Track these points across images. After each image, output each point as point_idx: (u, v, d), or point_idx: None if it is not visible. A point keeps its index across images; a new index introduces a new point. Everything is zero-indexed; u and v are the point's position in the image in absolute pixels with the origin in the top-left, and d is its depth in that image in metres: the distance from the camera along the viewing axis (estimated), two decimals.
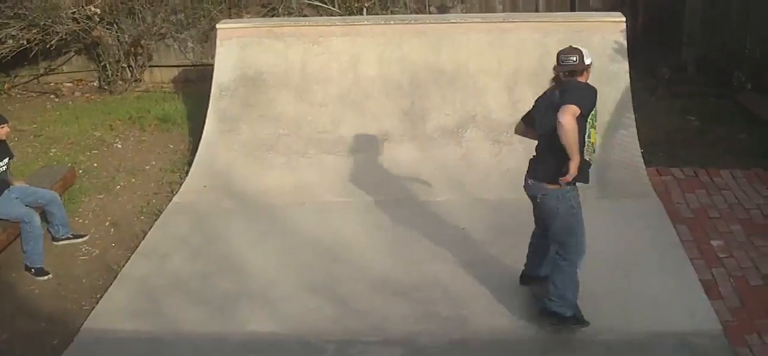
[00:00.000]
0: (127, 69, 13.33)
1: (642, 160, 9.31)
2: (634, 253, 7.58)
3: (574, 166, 5.94)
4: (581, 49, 6.27)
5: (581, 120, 5.96)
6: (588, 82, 6.25)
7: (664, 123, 10.77)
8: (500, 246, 7.81)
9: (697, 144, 10.19)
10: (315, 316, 6.88)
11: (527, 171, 6.52)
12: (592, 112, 6.17)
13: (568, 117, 5.80)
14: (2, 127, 7.98)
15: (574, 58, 6.22)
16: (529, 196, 6.56)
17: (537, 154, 6.51)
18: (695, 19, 12.40)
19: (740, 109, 11.16)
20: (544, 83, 9.68)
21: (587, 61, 6.25)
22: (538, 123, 6.45)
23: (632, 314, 6.67)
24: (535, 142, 6.56)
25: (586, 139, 6.18)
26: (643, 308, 6.73)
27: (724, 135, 10.41)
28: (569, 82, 6.20)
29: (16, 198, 7.96)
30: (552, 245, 6.53)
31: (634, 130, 9.57)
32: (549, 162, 6.22)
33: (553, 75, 6.41)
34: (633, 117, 9.65)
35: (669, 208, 8.47)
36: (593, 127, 6.29)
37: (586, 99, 6.05)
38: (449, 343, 6.54)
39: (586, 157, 6.23)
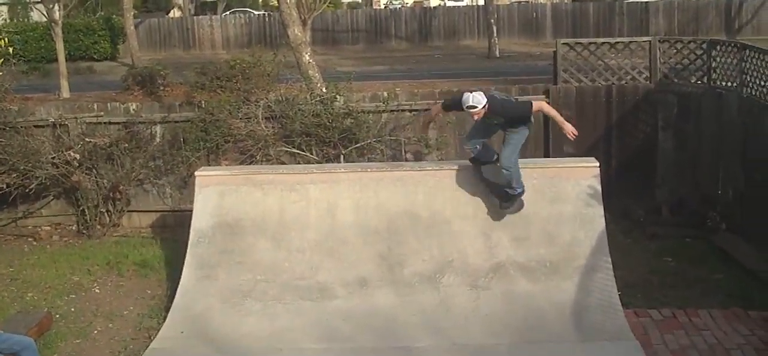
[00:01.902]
0: (105, 213, 13.38)
1: (619, 303, 9.29)
2: None
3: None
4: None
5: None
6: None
7: (641, 265, 10.88)
8: None
9: (674, 285, 10.26)
10: None
11: None
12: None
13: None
14: None
15: None
16: None
17: None
18: (668, 162, 12.62)
19: (715, 249, 11.28)
20: (519, 229, 9.89)
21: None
22: None
23: None
24: None
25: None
26: None
27: (701, 276, 10.49)
28: None
29: None
30: None
31: (611, 272, 9.58)
32: None
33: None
34: (609, 260, 9.68)
35: (648, 350, 8.45)
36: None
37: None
38: None
39: None
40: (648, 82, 13.14)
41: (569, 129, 9.33)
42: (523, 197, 9.80)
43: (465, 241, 9.97)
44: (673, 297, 9.85)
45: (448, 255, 9.90)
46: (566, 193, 10.12)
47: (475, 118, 9.19)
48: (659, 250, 11.37)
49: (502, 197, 9.83)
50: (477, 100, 9.06)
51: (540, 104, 9.73)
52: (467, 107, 9.09)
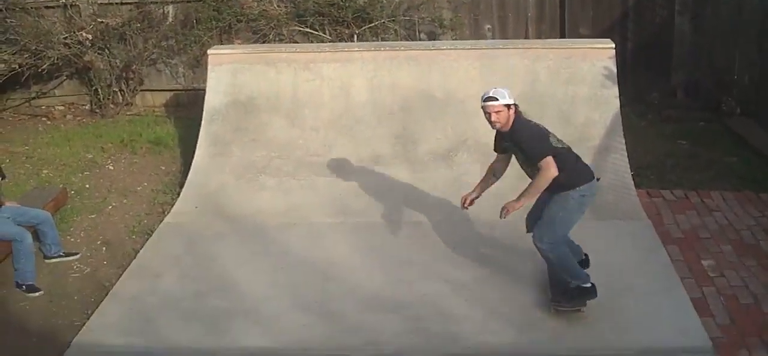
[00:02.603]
0: (118, 93, 13.37)
1: (632, 183, 9.33)
2: (626, 273, 7.59)
3: None
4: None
5: None
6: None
7: (655, 147, 10.83)
8: (490, 267, 7.84)
9: (687, 167, 10.23)
10: (308, 332, 6.88)
11: None
12: None
13: None
14: None
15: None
16: None
17: None
18: (684, 46, 12.49)
19: (730, 133, 11.25)
20: (534, 108, 9.75)
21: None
22: None
23: (624, 332, 6.68)
24: None
25: None
26: (635, 326, 6.74)
27: (715, 159, 10.45)
28: None
29: (8, 217, 7.94)
30: None
31: (625, 153, 9.59)
32: None
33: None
34: (623, 141, 9.67)
35: (660, 229, 8.50)
36: None
37: None
38: None
39: None
40: None
41: (510, 206, 7.08)
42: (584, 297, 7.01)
43: (479, 121, 9.83)
44: (686, 179, 9.84)
45: (461, 133, 9.90)
46: (582, 74, 10.06)
47: (493, 118, 6.98)
48: (673, 133, 11.31)
49: (557, 290, 7.16)
50: (500, 93, 6.92)
51: (549, 161, 6.85)
52: (485, 99, 6.97)
